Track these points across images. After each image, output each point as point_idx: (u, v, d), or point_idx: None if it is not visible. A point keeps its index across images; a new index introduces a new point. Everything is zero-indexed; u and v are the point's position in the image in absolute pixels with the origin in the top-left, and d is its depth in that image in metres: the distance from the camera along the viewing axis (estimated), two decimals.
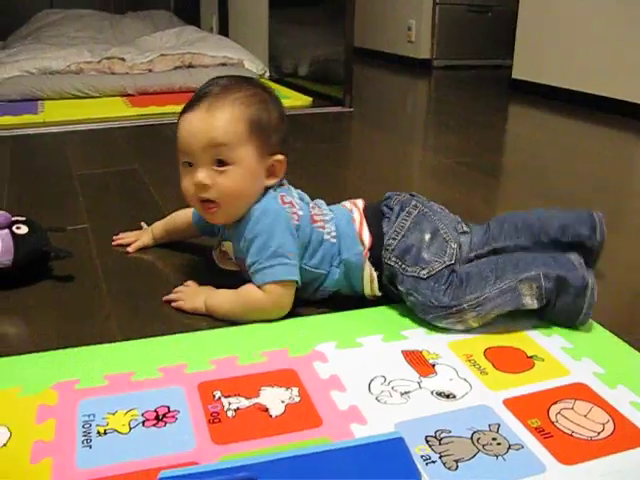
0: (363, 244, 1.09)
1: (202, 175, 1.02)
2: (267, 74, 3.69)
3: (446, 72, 4.50)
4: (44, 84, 2.99)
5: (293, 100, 3.05)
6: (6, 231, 1.16)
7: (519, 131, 2.85)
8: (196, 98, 1.05)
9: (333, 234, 1.10)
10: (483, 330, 1.02)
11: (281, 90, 3.32)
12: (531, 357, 0.96)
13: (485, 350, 0.97)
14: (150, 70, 3.30)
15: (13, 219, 1.19)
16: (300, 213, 1.08)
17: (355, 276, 1.09)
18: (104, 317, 1.07)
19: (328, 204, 1.17)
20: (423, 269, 1.04)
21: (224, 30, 4.53)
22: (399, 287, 1.06)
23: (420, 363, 0.93)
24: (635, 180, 2.14)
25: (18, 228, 1.18)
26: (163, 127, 2.52)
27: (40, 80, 3.03)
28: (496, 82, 3.92)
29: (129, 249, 1.32)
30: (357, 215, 1.13)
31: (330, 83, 3.15)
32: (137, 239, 1.35)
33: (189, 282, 1.14)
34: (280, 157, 1.08)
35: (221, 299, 1.07)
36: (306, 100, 3.08)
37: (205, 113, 1.02)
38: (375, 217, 1.12)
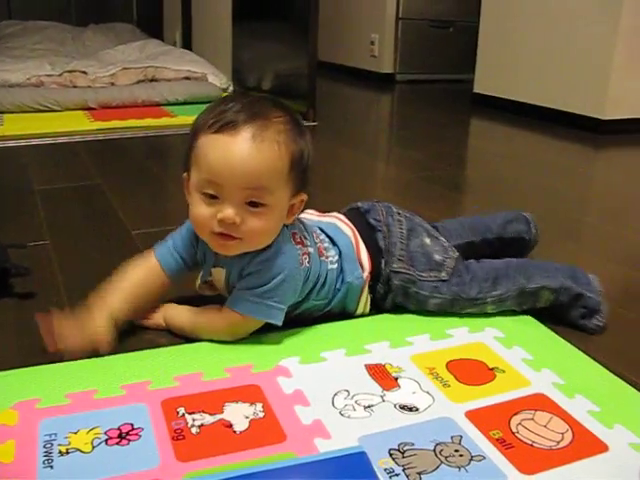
0: (362, 267, 1.09)
1: (232, 213, 0.92)
2: (230, 88, 3.69)
3: (409, 86, 4.55)
4: (3, 97, 2.94)
5: None
6: None
7: (480, 145, 2.89)
8: (231, 118, 0.91)
9: (334, 259, 1.08)
10: (445, 344, 1.04)
11: None
12: (492, 369, 0.98)
13: (447, 363, 0.98)
14: (113, 84, 3.28)
15: None
16: (310, 251, 1.04)
17: (352, 298, 1.10)
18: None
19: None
20: (440, 272, 1.11)
21: (187, 44, 4.53)
22: (419, 292, 1.11)
23: (383, 377, 0.94)
24: (591, 192, 2.18)
25: None
26: (126, 141, 2.50)
27: None
28: (458, 96, 3.98)
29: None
30: (353, 237, 1.12)
31: (293, 97, 3.16)
32: (79, 335, 0.97)
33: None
34: (304, 197, 1.01)
35: (181, 318, 1.04)
36: None
37: (249, 144, 0.90)
38: (366, 232, 1.13)
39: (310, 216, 1.16)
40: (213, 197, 0.92)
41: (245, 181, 0.90)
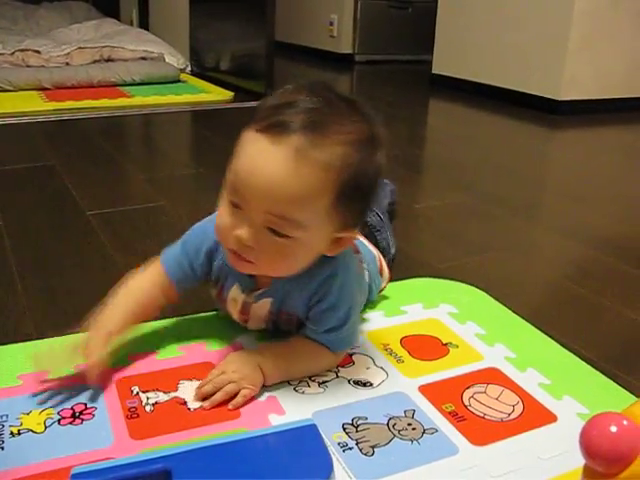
0: (383, 276, 1.08)
1: (246, 235, 0.76)
2: (188, 68, 3.65)
3: (368, 67, 4.55)
4: None
5: (214, 95, 3.04)
6: None
7: (439, 125, 2.91)
8: (284, 119, 0.73)
9: (365, 269, 1.01)
10: (399, 320, 1.05)
11: (202, 85, 3.30)
12: (446, 344, 0.99)
13: (401, 339, 1.00)
14: (67, 63, 3.22)
15: None
16: (366, 267, 1.00)
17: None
18: (19, 315, 1.04)
19: None
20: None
21: (144, 23, 4.46)
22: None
23: None
24: (549, 172, 2.22)
25: None
26: (81, 122, 2.46)
27: None
28: (417, 77, 3.99)
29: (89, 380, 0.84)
30: (374, 249, 1.09)
31: (252, 77, 3.15)
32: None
33: (226, 363, 0.85)
34: (353, 235, 0.84)
35: (284, 365, 0.87)
36: (227, 95, 3.06)
37: (287, 160, 0.72)
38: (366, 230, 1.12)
39: None
40: (237, 207, 0.77)
41: (267, 204, 0.74)
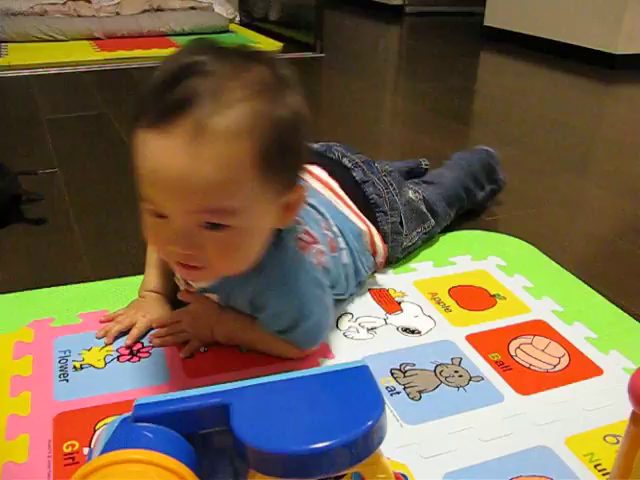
0: (377, 253, 0.99)
1: (182, 244, 0.66)
2: (237, 19, 3.63)
3: (418, 19, 4.46)
4: (7, 26, 2.91)
5: (263, 45, 3.02)
6: None
7: (490, 78, 2.86)
8: (164, 103, 0.61)
9: (343, 246, 0.91)
10: (448, 270, 1.06)
11: (251, 35, 3.29)
12: (494, 295, 1.00)
13: (450, 289, 1.01)
14: (118, 13, 3.23)
15: None
16: (322, 249, 0.84)
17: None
18: (77, 258, 1.08)
19: None
20: (427, 221, 1.10)
21: None
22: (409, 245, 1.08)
23: (387, 301, 0.97)
24: (602, 128, 2.17)
25: None
26: (132, 71, 2.48)
27: (2, 21, 2.94)
28: (468, 29, 3.91)
29: (128, 342, 0.84)
30: (363, 224, 0.96)
31: (301, 28, 3.12)
32: (131, 321, 0.86)
33: (176, 314, 0.86)
34: (300, 193, 0.72)
35: (236, 338, 0.84)
36: (276, 45, 3.05)
37: (189, 148, 0.60)
38: (365, 207, 1.00)
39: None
40: (161, 216, 0.66)
41: (191, 205, 0.63)
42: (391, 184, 1.04)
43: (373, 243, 0.98)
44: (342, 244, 0.90)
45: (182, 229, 0.65)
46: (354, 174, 1.01)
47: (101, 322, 0.88)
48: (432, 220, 1.10)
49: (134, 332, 0.85)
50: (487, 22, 3.58)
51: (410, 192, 1.09)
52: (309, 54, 2.95)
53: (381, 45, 3.73)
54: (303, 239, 0.80)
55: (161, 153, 0.61)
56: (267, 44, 3.07)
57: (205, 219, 0.64)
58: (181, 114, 0.60)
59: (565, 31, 3.07)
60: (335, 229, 0.90)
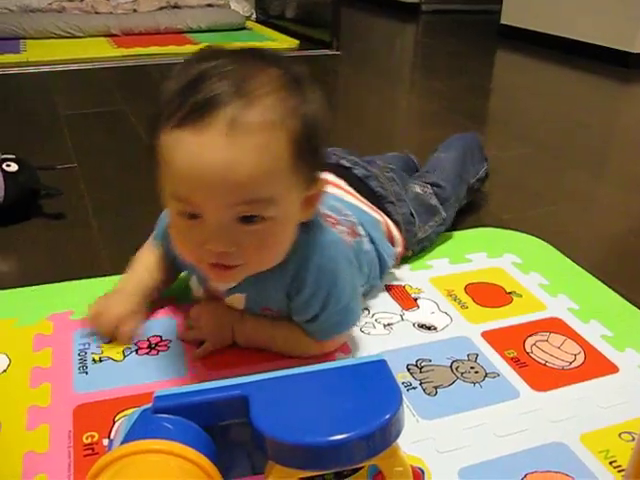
0: (394, 242, 0.99)
1: (223, 240, 0.66)
2: (253, 16, 3.64)
3: (434, 16, 4.45)
4: (25, 22, 2.93)
5: (279, 43, 3.03)
6: None
7: (506, 77, 2.85)
8: (195, 100, 0.62)
9: (363, 233, 0.91)
10: (464, 267, 1.06)
11: (267, 32, 3.29)
12: (510, 293, 1.00)
13: (466, 286, 1.01)
14: (135, 10, 3.25)
15: (3, 157, 1.20)
16: (346, 230, 0.86)
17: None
18: (95, 253, 1.09)
19: None
20: (437, 214, 1.10)
21: None
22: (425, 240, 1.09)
23: (403, 297, 0.97)
24: (618, 127, 2.16)
25: (8, 166, 1.19)
26: (149, 68, 2.50)
27: (21, 18, 2.97)
28: (485, 28, 3.89)
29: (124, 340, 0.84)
30: (378, 215, 0.98)
31: (317, 26, 3.12)
32: (118, 323, 0.84)
33: (197, 310, 0.84)
34: (320, 187, 0.73)
35: (258, 337, 0.83)
36: (293, 43, 3.05)
37: (227, 141, 0.61)
38: (373, 200, 1.01)
39: None
40: (194, 216, 0.66)
41: (231, 198, 0.63)
42: (394, 179, 1.06)
43: (390, 232, 0.98)
44: (362, 231, 0.90)
45: (219, 225, 0.65)
46: (355, 171, 1.02)
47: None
48: (443, 213, 1.11)
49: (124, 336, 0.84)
50: (503, 20, 3.57)
51: (417, 187, 1.10)
52: (326, 52, 2.95)
53: (397, 43, 3.73)
54: (328, 220, 0.82)
55: (198, 149, 0.62)
56: (284, 41, 3.08)
57: (242, 212, 0.65)
58: (212, 111, 0.61)
59: (581, 29, 3.06)
60: (352, 218, 0.90)
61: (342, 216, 0.88)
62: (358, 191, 0.99)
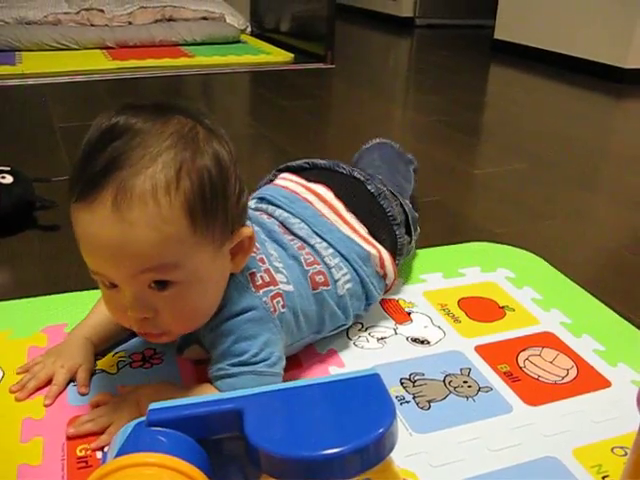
0: (387, 276, 0.94)
1: (139, 308, 0.66)
2: (248, 29, 3.66)
3: (428, 31, 4.49)
4: (21, 35, 2.95)
5: (274, 56, 3.05)
6: None
7: (499, 91, 2.87)
8: (86, 173, 0.62)
9: (347, 278, 0.86)
10: (457, 282, 1.07)
11: (262, 46, 3.31)
12: (503, 307, 1.00)
13: (459, 300, 1.02)
14: (130, 23, 3.27)
15: None
16: (283, 289, 0.77)
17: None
18: None
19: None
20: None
21: None
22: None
23: (396, 311, 0.97)
24: (611, 142, 2.18)
25: (3, 177, 1.20)
26: (144, 80, 2.51)
27: (17, 30, 2.99)
28: (478, 42, 3.93)
29: (46, 402, 0.76)
30: (372, 249, 0.90)
31: (312, 39, 3.14)
32: (48, 374, 0.79)
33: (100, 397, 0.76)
34: (247, 231, 0.71)
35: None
36: (287, 56, 3.07)
37: (113, 217, 0.60)
38: (382, 223, 0.96)
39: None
40: (112, 285, 0.66)
41: (132, 269, 0.63)
42: (395, 195, 1.02)
43: (383, 265, 0.92)
44: (338, 274, 0.85)
45: (133, 294, 0.65)
46: (369, 187, 0.97)
47: (18, 373, 0.80)
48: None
49: (53, 390, 0.77)
50: (497, 35, 3.60)
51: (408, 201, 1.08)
52: (320, 65, 2.97)
53: (391, 57, 3.75)
54: (256, 276, 0.75)
55: (90, 227, 0.62)
56: (278, 54, 3.10)
57: (151, 278, 0.64)
58: (102, 184, 0.61)
59: (575, 45, 3.09)
60: (331, 261, 0.85)
61: (320, 257, 0.84)
62: (367, 210, 0.95)
